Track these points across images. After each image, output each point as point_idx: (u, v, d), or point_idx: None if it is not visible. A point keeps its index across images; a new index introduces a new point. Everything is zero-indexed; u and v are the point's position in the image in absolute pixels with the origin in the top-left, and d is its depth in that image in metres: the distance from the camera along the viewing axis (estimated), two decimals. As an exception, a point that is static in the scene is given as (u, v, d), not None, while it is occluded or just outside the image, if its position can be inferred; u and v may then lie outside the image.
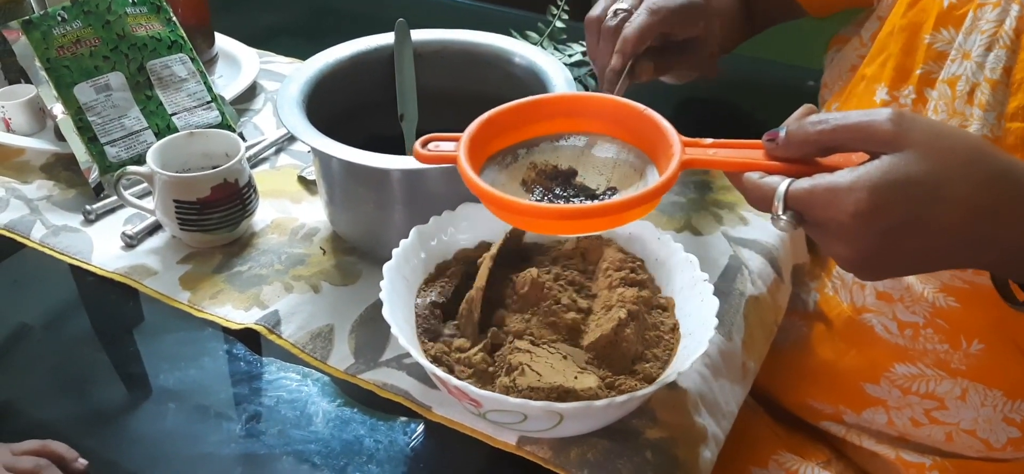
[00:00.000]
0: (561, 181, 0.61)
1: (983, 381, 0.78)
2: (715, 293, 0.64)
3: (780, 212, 0.51)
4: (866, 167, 0.49)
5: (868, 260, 0.51)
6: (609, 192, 0.59)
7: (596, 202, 0.58)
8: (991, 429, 0.79)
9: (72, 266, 0.82)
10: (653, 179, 0.57)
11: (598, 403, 0.56)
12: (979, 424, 0.79)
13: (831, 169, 0.51)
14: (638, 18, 0.75)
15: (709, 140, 0.57)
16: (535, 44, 1.19)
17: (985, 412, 0.78)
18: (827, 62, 0.92)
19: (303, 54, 0.86)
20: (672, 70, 0.80)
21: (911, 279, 0.78)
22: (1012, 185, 0.50)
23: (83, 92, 0.90)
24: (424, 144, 0.59)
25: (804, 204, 0.51)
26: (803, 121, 0.53)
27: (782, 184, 0.51)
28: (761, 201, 0.53)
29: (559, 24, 1.22)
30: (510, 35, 0.92)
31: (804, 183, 0.51)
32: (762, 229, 0.85)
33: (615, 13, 0.77)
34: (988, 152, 0.51)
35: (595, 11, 0.79)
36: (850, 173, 0.49)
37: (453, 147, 0.58)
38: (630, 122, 0.60)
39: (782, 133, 0.53)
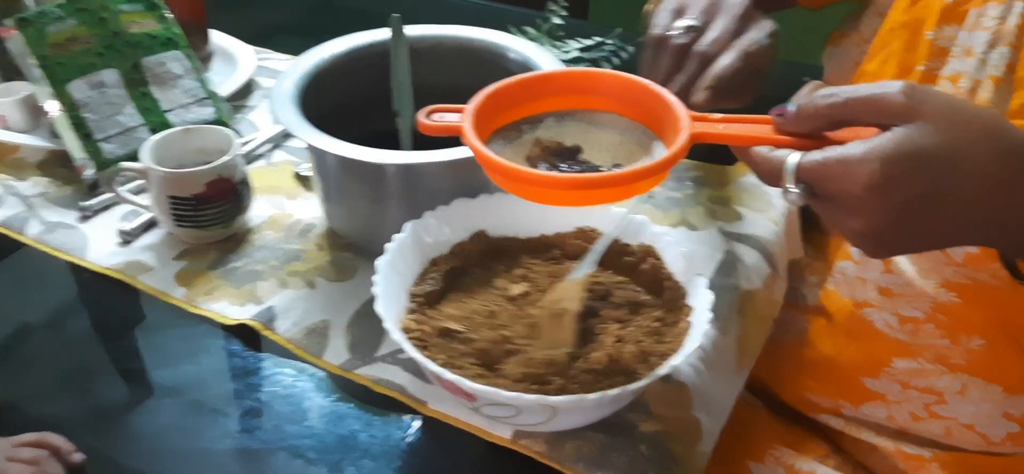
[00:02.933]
0: (566, 158, 0.60)
1: (983, 376, 0.77)
2: (710, 288, 0.64)
3: (790, 185, 0.51)
4: (879, 138, 0.48)
5: (881, 235, 0.50)
6: (615, 169, 0.58)
7: (604, 172, 0.57)
8: (990, 424, 0.78)
9: (71, 264, 0.82)
10: (660, 154, 0.56)
11: (591, 396, 0.55)
12: (978, 419, 0.78)
13: (840, 143, 0.50)
14: (731, 59, 0.71)
15: (717, 115, 0.56)
16: (532, 41, 1.19)
17: (984, 407, 0.78)
18: (826, 59, 0.91)
19: (300, 51, 0.86)
20: (732, 99, 0.76)
21: (912, 274, 0.77)
22: None
23: (78, 89, 0.90)
24: (428, 114, 0.59)
25: (815, 176, 0.50)
26: (813, 95, 0.52)
27: (792, 157, 0.50)
28: (771, 175, 0.52)
29: (557, 21, 1.22)
30: (507, 31, 0.92)
31: (815, 155, 0.50)
32: (757, 224, 0.85)
33: (686, 30, 0.73)
34: (1005, 126, 0.50)
35: (657, 29, 0.75)
36: (863, 145, 0.48)
37: (457, 118, 0.58)
38: (637, 99, 0.59)
39: (791, 108, 0.53)
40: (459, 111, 0.58)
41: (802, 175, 0.50)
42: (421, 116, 0.58)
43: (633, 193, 0.55)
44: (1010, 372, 0.76)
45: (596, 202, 0.56)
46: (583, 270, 0.66)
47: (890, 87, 0.49)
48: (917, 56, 0.74)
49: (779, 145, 0.53)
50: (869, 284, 0.81)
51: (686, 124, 0.54)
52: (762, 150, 0.53)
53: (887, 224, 0.49)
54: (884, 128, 0.49)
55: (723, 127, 0.55)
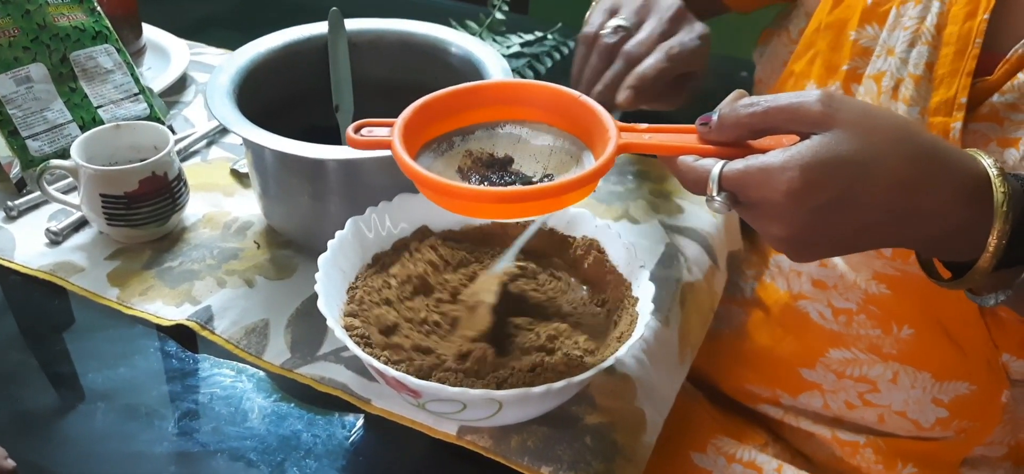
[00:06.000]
0: (497, 169, 0.60)
1: (913, 364, 0.80)
2: (652, 279, 0.64)
3: (714, 193, 0.52)
4: (797, 147, 0.50)
5: (801, 239, 0.52)
6: (545, 179, 0.59)
7: (534, 185, 0.58)
8: (920, 410, 0.81)
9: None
10: (589, 165, 0.57)
11: (536, 389, 0.55)
12: (909, 406, 0.81)
13: (763, 151, 0.51)
14: (655, 60, 0.72)
15: (644, 125, 0.57)
16: (474, 35, 1.18)
17: (915, 394, 0.80)
18: (757, 57, 0.93)
19: (234, 46, 0.84)
20: (661, 101, 0.78)
21: (844, 268, 0.79)
22: (935, 161, 0.51)
23: (2, 84, 0.86)
24: (357, 129, 0.58)
25: (738, 185, 0.51)
26: (735, 105, 0.53)
27: (716, 166, 0.52)
28: (696, 184, 0.53)
29: (499, 16, 1.22)
30: (449, 26, 0.92)
31: (737, 164, 0.51)
32: (697, 217, 0.86)
33: (615, 30, 0.74)
34: (914, 130, 0.52)
35: (590, 28, 0.76)
36: (782, 153, 0.50)
37: (387, 132, 0.57)
38: (567, 109, 0.60)
39: (714, 117, 0.54)
40: (388, 125, 0.58)
41: (725, 183, 0.52)
42: (350, 131, 0.58)
43: (563, 205, 0.55)
44: (938, 359, 0.79)
45: (526, 215, 0.56)
46: (502, 264, 0.67)
47: (808, 97, 0.51)
48: (841, 56, 0.76)
49: (704, 154, 0.54)
50: (804, 277, 0.83)
51: (614, 135, 0.55)
52: (687, 159, 0.54)
53: (806, 228, 0.51)
54: (803, 136, 0.50)
55: (649, 137, 0.56)
